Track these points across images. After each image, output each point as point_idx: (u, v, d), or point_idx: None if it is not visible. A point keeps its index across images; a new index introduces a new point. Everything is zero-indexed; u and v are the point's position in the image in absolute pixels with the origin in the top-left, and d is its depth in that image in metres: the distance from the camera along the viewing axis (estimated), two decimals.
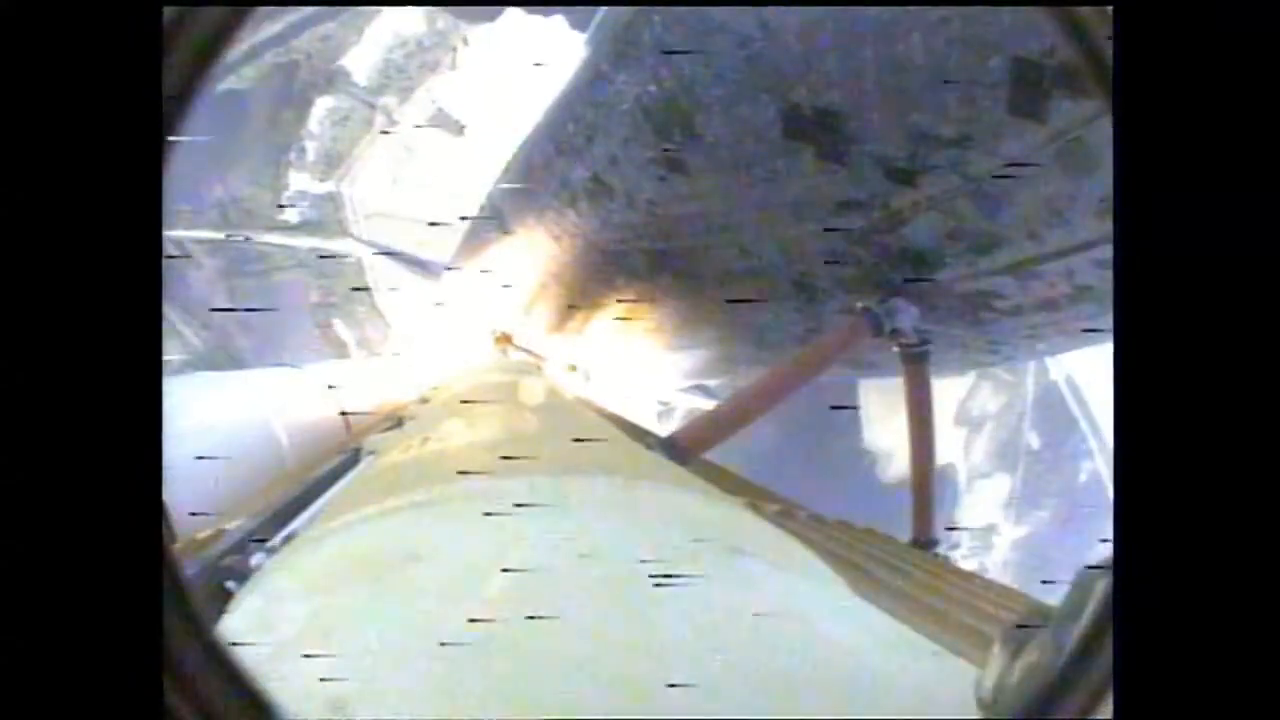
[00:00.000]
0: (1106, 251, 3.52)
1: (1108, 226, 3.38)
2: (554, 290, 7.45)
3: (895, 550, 3.14)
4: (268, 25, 11.68)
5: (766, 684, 0.82)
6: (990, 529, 16.93)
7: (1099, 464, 16.89)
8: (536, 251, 6.93)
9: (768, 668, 0.86)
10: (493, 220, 7.75)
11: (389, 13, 11.95)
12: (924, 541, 5.06)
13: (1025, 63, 2.95)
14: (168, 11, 0.60)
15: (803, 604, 1.19)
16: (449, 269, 10.74)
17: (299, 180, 12.32)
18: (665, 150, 4.42)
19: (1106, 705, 0.62)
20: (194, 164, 11.64)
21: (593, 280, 6.65)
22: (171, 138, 0.61)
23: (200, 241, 12.06)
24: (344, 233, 12.25)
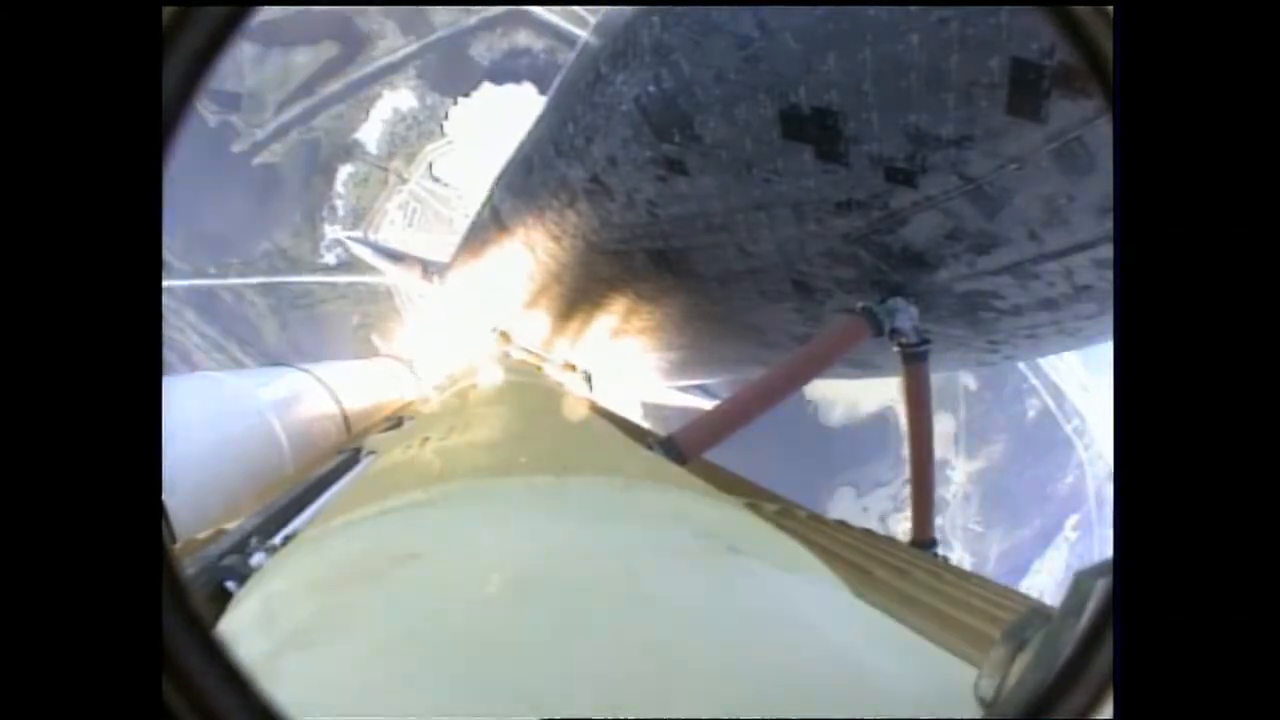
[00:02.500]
0: (1106, 251, 3.52)
1: (1108, 226, 3.38)
2: (554, 290, 7.45)
3: (895, 550, 3.14)
4: (287, 110, 14.82)
5: (766, 684, 0.82)
6: (943, 463, 18.00)
7: (1046, 400, 17.51)
8: (536, 251, 6.93)
9: (768, 668, 0.86)
10: (492, 221, 7.76)
11: (389, 94, 15.17)
12: (924, 541, 5.06)
13: (1025, 63, 2.96)
14: (168, 11, 0.60)
15: (803, 604, 1.19)
16: (448, 270, 10.80)
17: (333, 231, 15.51)
18: (665, 150, 4.42)
19: (1106, 705, 0.62)
20: (241, 225, 14.82)
21: (593, 280, 6.65)
22: (171, 138, 0.61)
23: (251, 286, 15.06)
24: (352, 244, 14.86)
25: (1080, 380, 17.74)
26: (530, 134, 6.49)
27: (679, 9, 3.84)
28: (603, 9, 5.01)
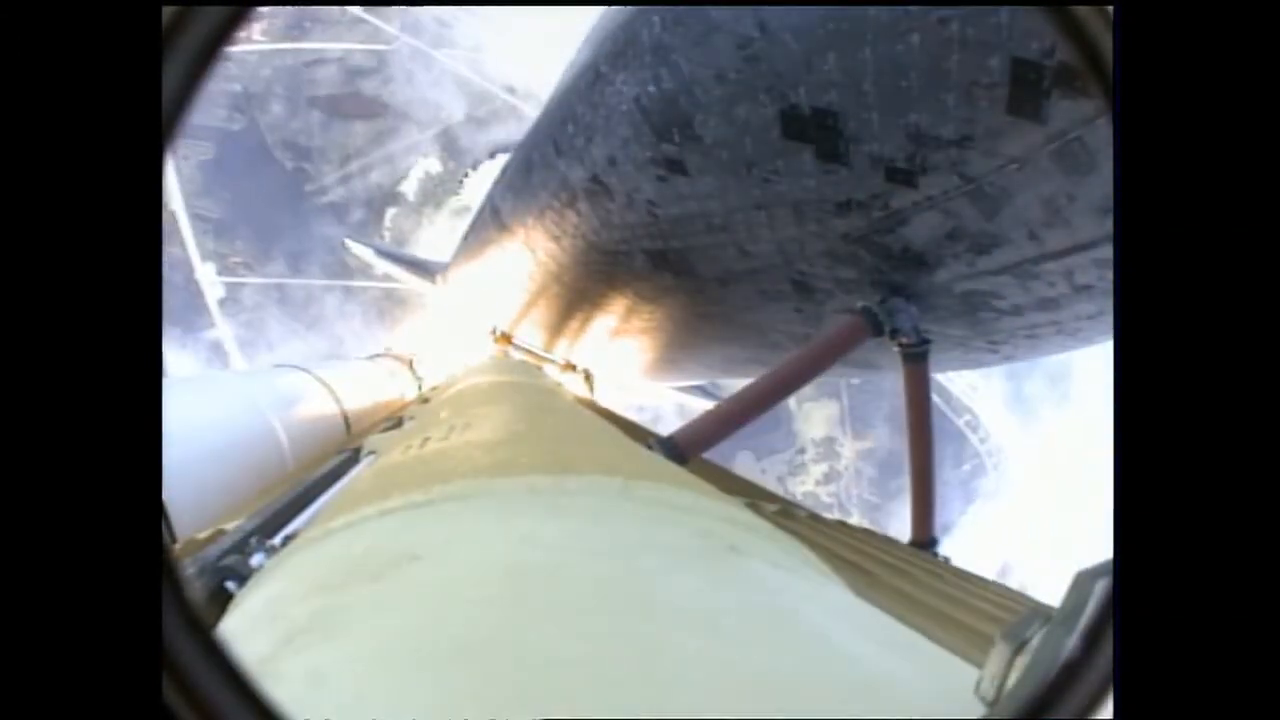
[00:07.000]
0: (1106, 251, 3.52)
1: (1108, 226, 3.38)
2: (554, 290, 7.45)
3: (895, 550, 3.15)
4: (348, 165, 21.74)
5: (766, 684, 0.82)
6: (831, 440, 21.32)
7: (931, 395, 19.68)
8: (536, 251, 6.94)
9: (768, 667, 0.86)
10: (492, 220, 7.76)
11: (421, 159, 21.96)
12: (924, 541, 5.06)
13: (1025, 63, 2.96)
14: (168, 11, 0.60)
15: (803, 604, 1.19)
16: (449, 270, 10.81)
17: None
18: (665, 150, 4.42)
19: (1106, 705, 0.62)
20: (315, 242, 21.16)
21: (592, 280, 6.65)
22: (172, 138, 0.61)
23: (320, 284, 21.33)
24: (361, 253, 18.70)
25: (968, 380, 20.18)
26: (530, 134, 6.48)
27: (679, 9, 3.84)
28: (602, 9, 5.01)
